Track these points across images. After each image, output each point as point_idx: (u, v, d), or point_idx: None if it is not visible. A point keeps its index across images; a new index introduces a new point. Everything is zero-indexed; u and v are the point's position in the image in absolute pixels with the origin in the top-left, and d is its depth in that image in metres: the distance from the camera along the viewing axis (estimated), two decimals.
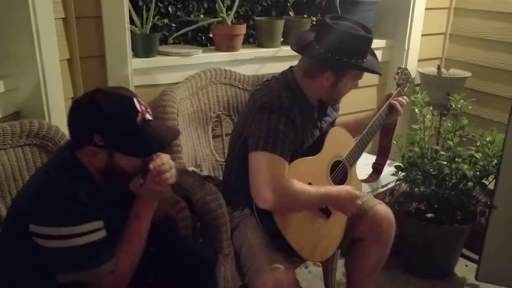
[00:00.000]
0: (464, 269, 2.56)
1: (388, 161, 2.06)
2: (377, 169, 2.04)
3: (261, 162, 1.58)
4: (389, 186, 2.56)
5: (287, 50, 2.45)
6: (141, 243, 1.41)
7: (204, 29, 2.54)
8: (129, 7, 2.02)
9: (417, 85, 2.89)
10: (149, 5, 2.20)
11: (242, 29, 2.38)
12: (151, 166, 1.38)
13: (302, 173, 1.65)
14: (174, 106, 2.02)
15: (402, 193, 2.58)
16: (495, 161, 2.26)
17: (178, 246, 1.59)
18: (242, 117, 1.79)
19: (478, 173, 2.31)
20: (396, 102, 1.91)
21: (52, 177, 1.32)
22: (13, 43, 1.68)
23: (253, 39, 2.65)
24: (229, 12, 2.37)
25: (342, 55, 1.64)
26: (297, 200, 1.62)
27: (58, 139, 1.65)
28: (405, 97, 1.97)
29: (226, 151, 2.21)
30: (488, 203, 2.23)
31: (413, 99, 2.48)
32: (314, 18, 2.78)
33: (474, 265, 2.32)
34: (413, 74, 2.83)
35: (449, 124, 2.44)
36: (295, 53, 1.75)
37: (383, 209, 1.87)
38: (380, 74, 1.81)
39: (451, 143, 2.35)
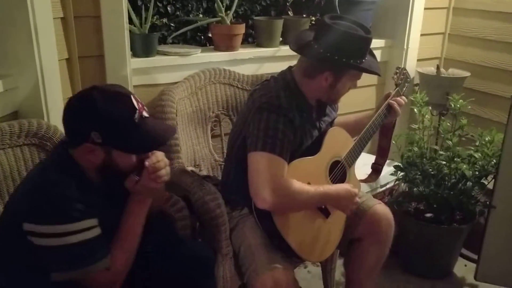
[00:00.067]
0: (463, 269, 2.56)
1: (387, 161, 2.06)
2: (376, 169, 2.04)
3: (260, 162, 1.58)
4: (388, 186, 2.56)
5: (286, 49, 2.45)
6: (136, 240, 1.42)
7: (203, 29, 2.54)
8: (128, 6, 2.02)
9: (416, 85, 2.89)
10: (148, 5, 2.20)
11: (241, 28, 2.38)
12: (146, 163, 1.39)
13: (301, 173, 1.65)
14: (173, 106, 2.02)
15: (401, 193, 2.58)
16: (494, 160, 2.27)
17: (177, 245, 1.59)
18: (241, 117, 1.79)
19: (477, 172, 2.31)
20: (395, 102, 1.91)
21: (45, 175, 1.33)
22: (12, 43, 1.67)
23: (252, 38, 2.65)
24: (228, 11, 2.37)
25: (341, 55, 1.64)
26: (296, 200, 1.62)
27: (57, 139, 1.65)
28: (403, 97, 1.97)
29: (225, 151, 2.21)
30: (487, 203, 2.23)
31: (412, 98, 2.48)
32: (313, 18, 2.79)
33: (473, 265, 2.32)
34: (412, 74, 2.83)
35: (448, 124, 2.44)
36: (294, 53, 1.75)
37: (382, 209, 1.87)
38: (379, 75, 1.82)
39: (450, 142, 2.35)
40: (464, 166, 2.26)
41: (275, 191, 1.55)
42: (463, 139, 2.43)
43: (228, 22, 2.35)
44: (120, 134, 1.32)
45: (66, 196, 1.27)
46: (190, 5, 2.47)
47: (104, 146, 1.32)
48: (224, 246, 1.75)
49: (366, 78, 1.85)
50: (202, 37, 2.55)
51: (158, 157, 1.44)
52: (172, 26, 2.44)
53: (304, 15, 2.77)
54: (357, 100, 2.52)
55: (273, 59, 2.48)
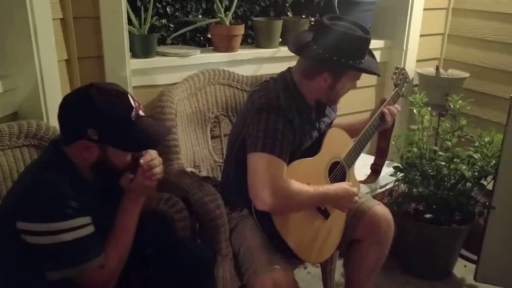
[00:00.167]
0: (462, 269, 2.56)
1: (386, 162, 2.06)
2: (376, 170, 2.04)
3: (259, 163, 1.58)
4: (387, 187, 2.56)
5: (285, 50, 2.44)
6: (129, 238, 1.43)
7: (202, 30, 2.54)
8: (127, 7, 2.02)
9: (416, 85, 2.89)
10: (147, 6, 2.19)
11: (240, 29, 2.38)
12: (141, 161, 1.41)
13: (301, 174, 1.65)
14: (173, 107, 2.02)
15: (400, 194, 2.58)
16: (494, 161, 2.27)
17: (177, 247, 1.59)
18: (241, 118, 1.79)
19: (476, 173, 2.31)
20: (387, 112, 1.90)
21: (39, 173, 1.33)
22: (11, 44, 1.67)
23: (252, 39, 2.65)
24: (227, 12, 2.37)
25: (340, 56, 1.64)
26: (295, 201, 1.61)
27: None
28: (397, 106, 1.97)
29: (224, 151, 2.21)
30: (487, 203, 2.23)
31: (412, 99, 2.48)
32: (313, 19, 2.78)
33: (473, 266, 2.32)
34: (412, 74, 2.83)
35: (448, 125, 2.44)
36: (293, 54, 1.75)
37: (381, 209, 1.87)
38: (378, 75, 1.81)
39: (449, 143, 2.35)
40: (464, 166, 2.27)
41: (274, 192, 1.55)
42: (463, 139, 2.43)
43: (227, 23, 2.35)
44: (117, 132, 1.33)
45: (60, 193, 1.28)
46: (189, 6, 2.47)
47: (99, 143, 1.33)
48: (223, 247, 1.74)
49: (365, 79, 1.85)
50: (202, 38, 2.55)
51: (152, 155, 1.45)
52: (171, 27, 2.44)
53: (303, 16, 2.77)
54: (357, 101, 2.53)
55: (272, 60, 2.48)
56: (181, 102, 2.11)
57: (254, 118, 1.64)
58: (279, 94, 1.68)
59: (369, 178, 2.04)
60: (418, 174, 2.39)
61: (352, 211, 1.84)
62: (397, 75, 2.04)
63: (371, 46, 1.74)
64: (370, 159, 2.06)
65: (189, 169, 1.99)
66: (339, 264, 2.12)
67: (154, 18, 2.29)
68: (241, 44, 2.45)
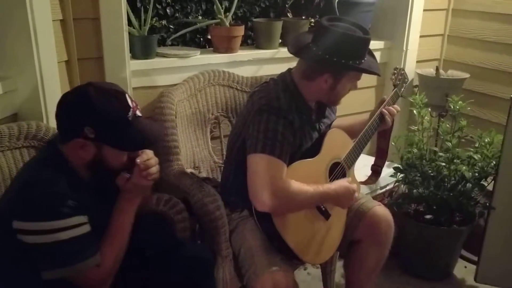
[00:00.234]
0: (463, 270, 2.56)
1: (386, 163, 2.06)
2: (376, 170, 2.03)
3: (259, 164, 1.58)
4: (387, 188, 2.56)
5: (285, 51, 2.43)
6: (125, 237, 1.43)
7: (202, 31, 2.54)
8: (127, 8, 2.02)
9: (416, 86, 2.89)
10: (147, 7, 2.20)
11: (240, 30, 2.38)
12: (137, 160, 1.41)
13: (301, 175, 1.65)
14: (173, 108, 2.02)
15: (400, 195, 2.58)
16: (494, 162, 2.27)
17: (177, 248, 1.59)
18: (241, 119, 1.79)
19: (476, 174, 2.31)
20: (387, 112, 1.90)
21: (35, 172, 1.33)
22: (11, 45, 1.67)
23: (251, 40, 2.65)
24: (227, 13, 2.37)
25: (339, 57, 1.64)
26: (296, 201, 1.61)
27: None
28: (396, 106, 1.97)
29: (224, 152, 2.21)
30: (487, 204, 2.23)
31: (412, 100, 2.48)
32: (312, 20, 2.78)
33: (473, 267, 2.31)
34: (412, 75, 2.83)
35: (448, 125, 2.44)
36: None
37: (381, 210, 1.86)
38: (378, 75, 1.81)
39: (449, 144, 2.35)
40: (464, 167, 2.26)
41: (274, 193, 1.55)
42: (463, 140, 2.43)
43: (227, 24, 2.35)
44: (114, 131, 1.33)
45: (56, 192, 1.28)
46: (189, 7, 2.47)
47: (96, 142, 1.33)
48: (223, 248, 1.74)
49: (365, 80, 1.85)
50: (201, 39, 2.56)
51: (149, 155, 1.46)
52: (171, 28, 2.45)
53: (303, 17, 2.77)
54: (357, 101, 2.52)
55: (272, 61, 2.48)
56: (181, 103, 2.11)
57: (254, 119, 1.63)
58: (279, 95, 1.68)
59: (369, 179, 2.04)
60: (418, 175, 2.39)
61: (352, 212, 1.84)
62: (395, 75, 2.04)
63: (371, 47, 1.74)
64: (371, 160, 2.06)
65: (189, 170, 1.99)
66: (339, 265, 2.12)
67: (154, 19, 2.29)
68: (241, 45, 2.45)
